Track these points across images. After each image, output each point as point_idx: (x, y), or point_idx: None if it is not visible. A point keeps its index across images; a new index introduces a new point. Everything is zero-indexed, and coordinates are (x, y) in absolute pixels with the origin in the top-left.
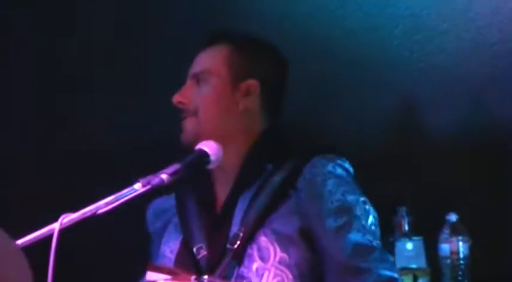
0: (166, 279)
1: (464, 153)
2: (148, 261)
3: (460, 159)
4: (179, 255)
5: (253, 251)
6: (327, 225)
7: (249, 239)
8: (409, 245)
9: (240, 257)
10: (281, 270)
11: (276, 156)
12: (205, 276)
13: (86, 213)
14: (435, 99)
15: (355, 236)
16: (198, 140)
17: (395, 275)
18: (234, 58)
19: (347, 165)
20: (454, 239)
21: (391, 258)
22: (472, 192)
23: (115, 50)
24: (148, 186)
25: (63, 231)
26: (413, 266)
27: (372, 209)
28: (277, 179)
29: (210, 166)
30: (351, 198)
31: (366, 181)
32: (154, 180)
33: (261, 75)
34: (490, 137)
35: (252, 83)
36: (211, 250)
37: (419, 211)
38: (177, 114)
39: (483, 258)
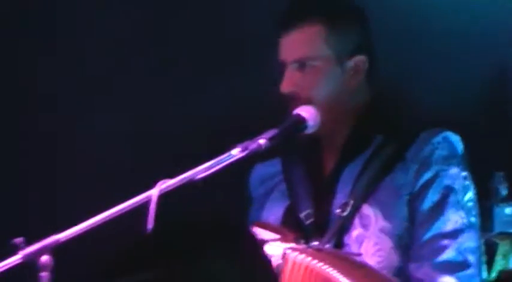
0: (274, 239)
1: None
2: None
3: None
4: (284, 220)
5: (355, 218)
6: (427, 197)
7: (357, 207)
8: (508, 210)
9: (347, 224)
10: (381, 239)
11: (385, 128)
12: (316, 243)
13: (184, 179)
14: None
15: (447, 212)
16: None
17: (470, 260)
18: (334, 36)
19: (455, 138)
20: None
21: (476, 241)
22: None
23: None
24: (246, 152)
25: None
26: None
27: (471, 186)
28: (387, 151)
29: (307, 131)
30: (453, 170)
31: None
32: (252, 145)
33: (365, 48)
34: None
35: (360, 59)
36: (318, 217)
37: None
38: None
39: None
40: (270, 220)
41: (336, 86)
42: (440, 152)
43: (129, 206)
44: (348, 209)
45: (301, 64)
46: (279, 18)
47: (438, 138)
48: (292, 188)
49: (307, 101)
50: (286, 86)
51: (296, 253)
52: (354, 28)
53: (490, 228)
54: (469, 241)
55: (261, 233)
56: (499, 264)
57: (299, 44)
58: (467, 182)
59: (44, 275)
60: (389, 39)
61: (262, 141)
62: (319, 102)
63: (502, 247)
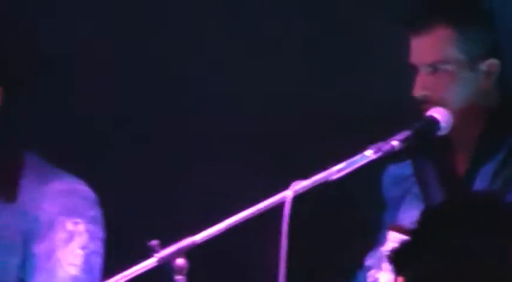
0: None
1: None
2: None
3: None
4: None
5: None
6: None
7: None
8: None
9: None
10: None
11: None
12: None
13: (317, 180)
14: None
15: None
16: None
17: None
18: (465, 40)
19: None
20: None
21: None
22: None
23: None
24: (379, 153)
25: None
26: None
27: None
28: None
29: (440, 133)
30: None
31: None
32: (385, 147)
33: (496, 51)
34: None
35: (493, 62)
36: None
37: None
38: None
39: None
40: (405, 223)
41: (469, 90)
42: None
43: (263, 207)
44: None
45: (434, 68)
46: (408, 20)
47: None
48: (426, 191)
49: (440, 104)
50: (418, 90)
51: None
52: (484, 31)
53: None
54: None
55: (396, 237)
56: None
57: (430, 48)
58: None
59: (179, 278)
60: None
61: (395, 142)
62: (452, 105)
63: None
